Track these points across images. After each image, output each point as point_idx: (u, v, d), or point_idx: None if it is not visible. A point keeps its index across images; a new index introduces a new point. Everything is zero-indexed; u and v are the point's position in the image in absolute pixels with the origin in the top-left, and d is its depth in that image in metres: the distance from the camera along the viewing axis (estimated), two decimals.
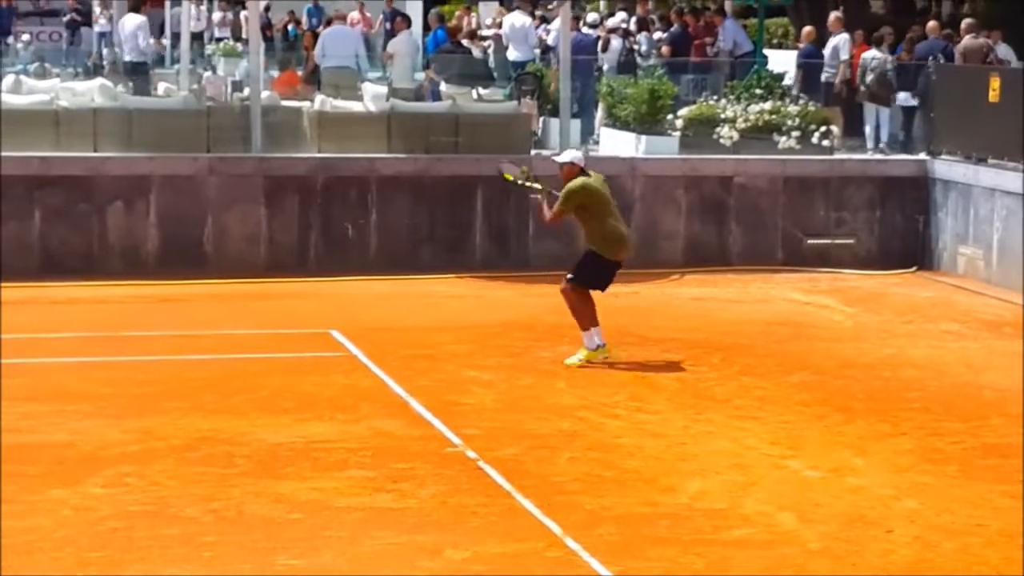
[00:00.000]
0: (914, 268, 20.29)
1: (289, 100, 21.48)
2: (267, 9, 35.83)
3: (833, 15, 24.20)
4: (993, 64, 21.69)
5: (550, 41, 26.77)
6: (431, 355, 14.77)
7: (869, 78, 21.86)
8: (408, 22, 25.28)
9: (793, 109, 21.01)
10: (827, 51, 23.58)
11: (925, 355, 15.33)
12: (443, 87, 22.47)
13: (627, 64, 25.21)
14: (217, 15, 39.68)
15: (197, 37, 34.63)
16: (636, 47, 27.46)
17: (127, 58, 24.43)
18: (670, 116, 21.06)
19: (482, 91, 22.49)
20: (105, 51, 31.96)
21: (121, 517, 9.92)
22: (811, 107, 21.28)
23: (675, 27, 27.80)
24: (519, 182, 15.33)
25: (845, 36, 23.40)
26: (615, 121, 21.72)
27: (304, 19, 36.47)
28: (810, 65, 23.71)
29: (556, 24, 25.90)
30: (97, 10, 38.13)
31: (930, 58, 21.86)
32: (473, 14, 34.35)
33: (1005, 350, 15.57)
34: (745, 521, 10.12)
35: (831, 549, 9.63)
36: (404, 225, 19.42)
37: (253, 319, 16.54)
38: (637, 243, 19.13)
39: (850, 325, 16.89)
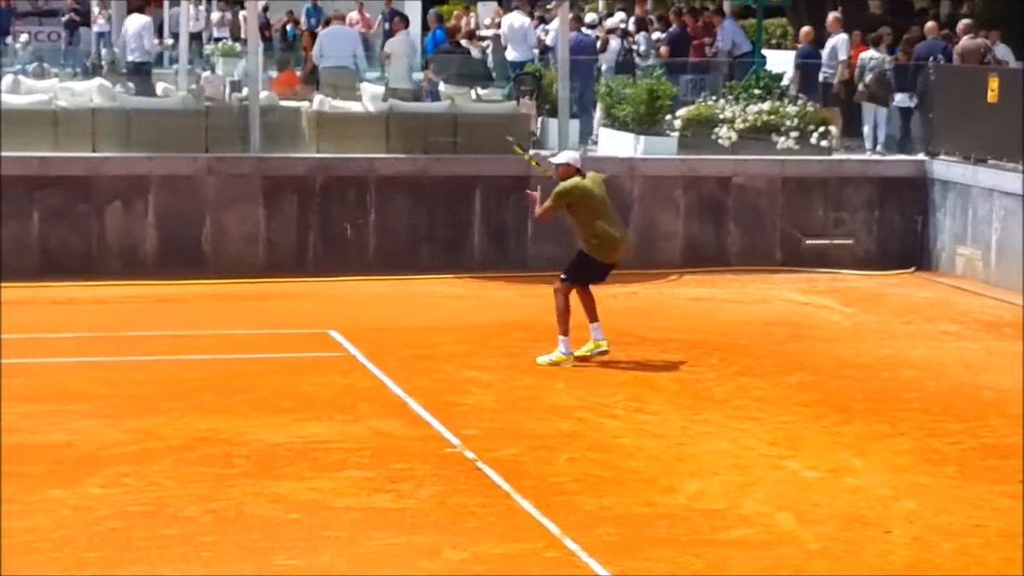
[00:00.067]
0: (913, 268, 20.29)
1: (288, 100, 21.48)
2: (266, 9, 35.86)
3: (831, 15, 24.20)
4: (991, 64, 21.69)
5: (549, 41, 26.78)
6: (430, 355, 14.77)
7: (868, 78, 21.86)
8: (406, 22, 25.27)
9: (792, 109, 21.01)
10: (825, 51, 23.58)
11: (924, 355, 15.34)
12: (442, 87, 22.46)
13: (625, 64, 25.22)
14: (216, 15, 39.72)
15: (196, 37, 34.69)
16: (635, 47, 27.47)
17: (131, 58, 24.40)
18: (669, 116, 21.06)
19: (481, 91, 22.50)
20: (104, 51, 31.96)
21: (120, 517, 9.92)
22: (810, 107, 21.28)
23: (674, 27, 27.82)
24: (526, 157, 15.86)
25: (843, 36, 23.41)
26: (614, 121, 21.72)
27: (303, 19, 36.49)
28: (808, 65, 23.71)
29: (555, 24, 25.91)
30: (96, 10, 38.14)
31: (930, 59, 21.86)
32: (472, 14, 34.35)
33: (1004, 351, 15.58)
34: (743, 521, 10.12)
35: (829, 549, 9.63)
36: (403, 225, 19.41)
37: (252, 319, 16.54)
38: (635, 243, 19.20)
39: (849, 325, 16.90)
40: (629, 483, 10.92)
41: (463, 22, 30.15)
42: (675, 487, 10.85)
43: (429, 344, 15.24)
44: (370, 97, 20.89)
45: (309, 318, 16.55)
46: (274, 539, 9.58)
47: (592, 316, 14.64)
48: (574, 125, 21.54)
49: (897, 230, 20.57)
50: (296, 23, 36.94)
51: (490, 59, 26.73)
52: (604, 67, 24.88)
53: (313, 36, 26.28)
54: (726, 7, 29.01)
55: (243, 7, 35.58)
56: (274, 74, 27.09)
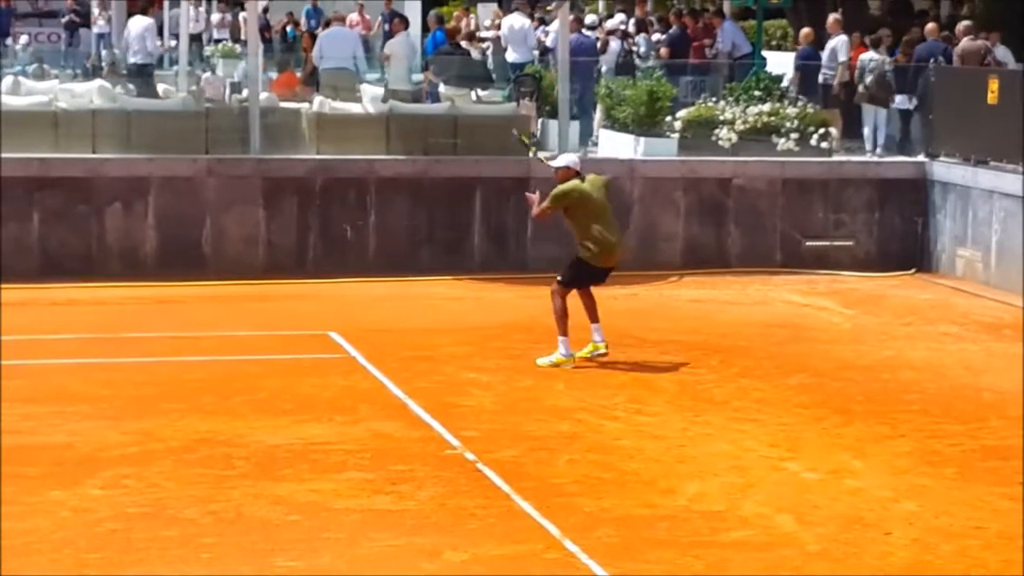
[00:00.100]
0: (913, 270, 20.29)
1: (288, 101, 21.48)
2: (266, 11, 35.84)
3: (831, 17, 24.18)
4: (991, 66, 21.68)
5: (549, 43, 26.79)
6: (430, 357, 14.77)
7: (868, 79, 21.86)
8: (405, 23, 25.27)
9: (792, 111, 21.01)
10: (825, 53, 23.57)
11: (924, 357, 15.34)
12: (442, 89, 22.46)
13: (625, 66, 25.22)
14: (216, 16, 39.74)
15: (196, 38, 34.68)
16: (635, 49, 27.47)
17: (133, 60, 24.40)
18: (669, 118, 21.06)
19: (481, 93, 22.50)
20: (104, 52, 31.96)
21: (120, 519, 9.92)
22: (810, 109, 21.28)
23: (674, 29, 27.83)
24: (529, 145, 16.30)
25: (843, 38, 23.39)
26: (614, 123, 21.72)
27: (303, 21, 36.48)
28: (808, 67, 23.70)
29: (555, 26, 25.91)
30: (96, 11, 38.15)
31: (931, 60, 21.85)
32: (472, 16, 34.37)
33: (1004, 352, 15.58)
34: (743, 523, 10.12)
35: (829, 551, 9.63)
36: (403, 227, 19.41)
37: (251, 321, 16.54)
38: (635, 245, 19.29)
39: (849, 327, 16.89)
40: (629, 485, 10.92)
41: (463, 24, 30.17)
42: (675, 489, 10.85)
43: (429, 346, 15.24)
44: (370, 98, 20.88)
45: (309, 319, 16.54)
46: (274, 541, 9.58)
47: (593, 317, 14.65)
48: (574, 126, 21.55)
49: (897, 232, 20.57)
50: (296, 24, 36.94)
51: (490, 61, 26.74)
52: (604, 69, 24.87)
53: (313, 38, 26.27)
54: (726, 8, 29.00)
55: (243, 9, 35.61)
56: (274, 75, 27.08)
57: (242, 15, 36.44)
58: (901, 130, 22.11)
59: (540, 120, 22.11)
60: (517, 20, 25.52)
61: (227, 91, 23.75)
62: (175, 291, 17.87)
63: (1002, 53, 23.08)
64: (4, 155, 18.42)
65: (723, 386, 13.96)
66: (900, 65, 22.34)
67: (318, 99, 20.46)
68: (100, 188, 18.73)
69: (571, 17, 23.59)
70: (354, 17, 33.05)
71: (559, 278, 14.61)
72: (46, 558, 9.22)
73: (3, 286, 17.24)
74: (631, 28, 29.94)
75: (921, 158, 20.93)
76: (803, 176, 20.48)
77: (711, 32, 26.80)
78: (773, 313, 17.54)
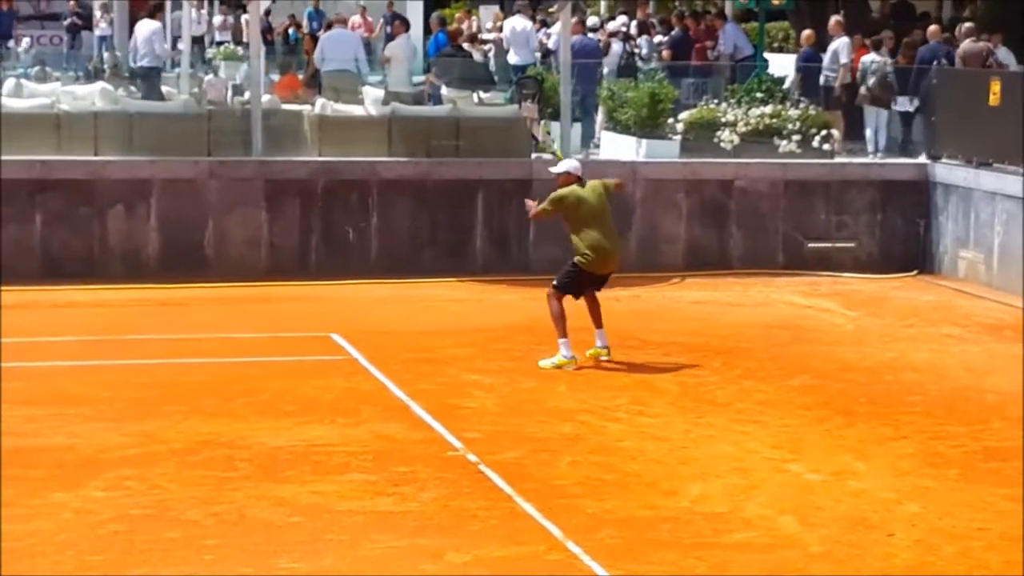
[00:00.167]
0: (915, 272, 20.28)
1: (290, 104, 21.50)
2: (268, 13, 35.87)
3: (833, 19, 24.18)
4: (993, 68, 21.68)
5: (551, 45, 26.79)
6: (432, 359, 14.77)
7: (870, 81, 21.86)
8: (406, 26, 25.29)
9: (794, 113, 21.00)
10: (827, 55, 23.57)
11: (926, 359, 15.33)
12: (444, 91, 22.46)
13: (627, 68, 25.23)
14: (218, 19, 39.76)
15: (198, 41, 34.70)
16: (636, 51, 27.48)
17: (142, 63, 24.41)
18: (671, 120, 21.06)
19: (483, 95, 22.50)
20: (106, 55, 31.97)
21: (122, 520, 9.92)
22: (812, 111, 21.28)
23: (676, 31, 27.82)
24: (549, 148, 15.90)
25: (845, 40, 23.38)
26: (616, 125, 21.72)
27: (304, 23, 36.52)
28: (810, 69, 23.70)
29: (557, 28, 25.91)
30: (98, 14, 38.17)
31: (933, 62, 21.84)
32: (474, 18, 34.38)
33: (1006, 354, 15.57)
34: (746, 525, 10.12)
35: (832, 553, 9.62)
36: (405, 228, 19.41)
37: (254, 322, 16.53)
38: (637, 247, 19.31)
39: (851, 329, 16.89)
40: (631, 486, 10.91)
41: (465, 26, 30.18)
42: (678, 490, 10.84)
43: (431, 347, 15.24)
44: (372, 101, 20.89)
45: (311, 321, 16.54)
46: (276, 542, 9.58)
47: (597, 322, 14.67)
48: (576, 129, 21.53)
49: (899, 233, 20.56)
50: (298, 27, 36.98)
51: (492, 63, 26.74)
52: (606, 71, 24.88)
53: (315, 40, 26.31)
54: (728, 10, 29.01)
55: (245, 11, 35.64)
56: (276, 78, 27.14)
57: (244, 17, 36.48)
58: (903, 132, 22.11)
59: (543, 122, 22.09)
60: (519, 22, 25.54)
61: (229, 93, 23.75)
62: (177, 293, 17.88)
63: (1004, 55, 23.07)
64: (6, 157, 18.42)
65: (725, 388, 13.95)
66: (902, 67, 22.34)
67: (320, 101, 20.47)
68: (102, 190, 18.73)
69: (573, 19, 23.59)
70: (356, 19, 33.05)
71: (554, 282, 14.65)
72: (49, 560, 9.22)
73: (4, 288, 17.24)
74: (633, 30, 29.96)
75: (923, 160, 20.92)
76: (805, 178, 20.48)
77: (713, 34, 26.80)
78: (775, 315, 17.53)
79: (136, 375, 13.91)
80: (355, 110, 20.50)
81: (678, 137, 20.86)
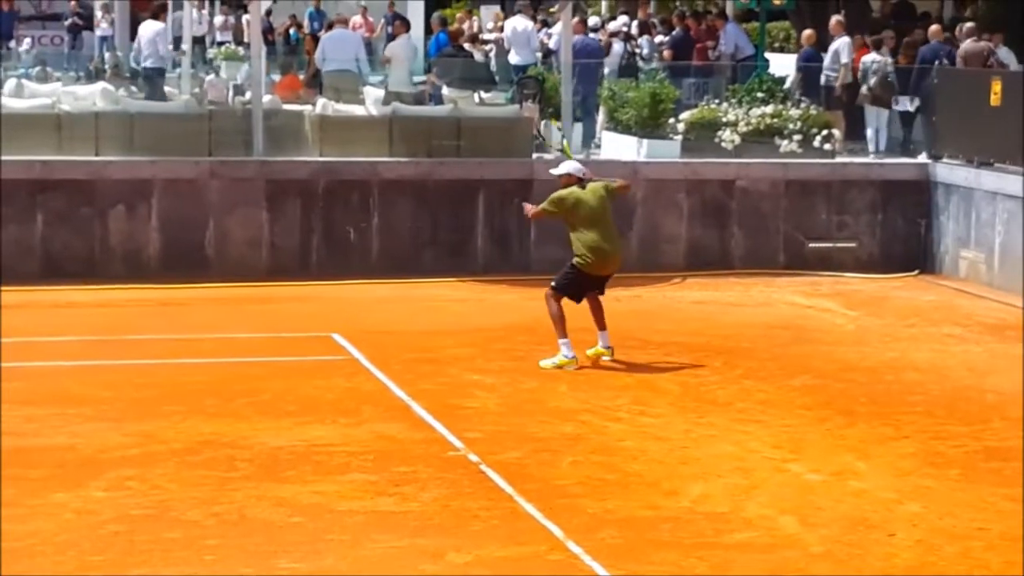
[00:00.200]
0: (916, 272, 20.27)
1: (291, 104, 21.49)
2: (269, 13, 35.86)
3: (834, 19, 24.17)
4: (994, 68, 21.67)
5: (552, 45, 26.78)
6: (433, 359, 14.77)
7: (871, 81, 21.86)
8: (407, 26, 25.28)
9: (795, 113, 21.00)
10: (827, 55, 23.56)
11: (927, 359, 15.33)
12: (445, 91, 22.46)
13: (628, 68, 25.23)
14: (219, 19, 39.74)
15: (199, 41, 34.69)
16: (638, 51, 27.47)
17: (146, 64, 24.41)
18: (672, 120, 21.06)
19: (484, 95, 22.50)
20: (107, 55, 31.98)
21: (123, 520, 9.92)
22: (813, 111, 21.27)
23: (677, 31, 27.82)
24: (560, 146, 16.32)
25: (846, 39, 23.38)
26: (617, 125, 21.72)
27: (305, 23, 36.51)
28: (810, 69, 23.70)
29: (558, 28, 25.91)
30: (99, 14, 38.17)
31: (935, 62, 21.84)
32: (475, 18, 34.37)
33: (1007, 353, 15.56)
34: (747, 525, 10.12)
35: (833, 552, 9.62)
36: (406, 229, 19.41)
37: (254, 323, 16.53)
38: (638, 247, 19.31)
39: (852, 329, 16.89)
40: (633, 486, 10.91)
41: (466, 26, 30.19)
42: (679, 490, 10.84)
43: (432, 347, 15.24)
44: (373, 101, 20.89)
45: (312, 321, 16.54)
46: (277, 542, 9.58)
47: (600, 324, 14.67)
48: (577, 128, 21.53)
49: (900, 233, 20.56)
50: (299, 27, 36.97)
51: (493, 63, 26.74)
52: (607, 71, 24.88)
53: (316, 40, 26.31)
54: (729, 10, 29.01)
55: (246, 11, 35.62)
56: (277, 78, 27.12)
57: (245, 18, 36.46)
58: (904, 132, 22.10)
59: (544, 122, 22.10)
60: (520, 22, 25.54)
61: (230, 93, 23.77)
62: (178, 293, 17.88)
63: (1005, 54, 23.06)
64: (7, 157, 18.42)
65: (726, 387, 13.95)
66: (902, 67, 22.34)
67: (321, 101, 20.47)
68: (103, 190, 18.73)
69: (574, 19, 23.60)
70: (357, 19, 33.05)
71: (553, 283, 14.65)
72: (49, 560, 9.22)
73: (5, 288, 17.25)
74: (634, 30, 29.97)
75: (924, 160, 20.92)
76: (806, 178, 20.48)
77: (714, 34, 26.80)
78: (776, 315, 17.53)
79: (137, 375, 13.91)
80: (356, 110, 20.50)
81: (679, 137, 20.86)
